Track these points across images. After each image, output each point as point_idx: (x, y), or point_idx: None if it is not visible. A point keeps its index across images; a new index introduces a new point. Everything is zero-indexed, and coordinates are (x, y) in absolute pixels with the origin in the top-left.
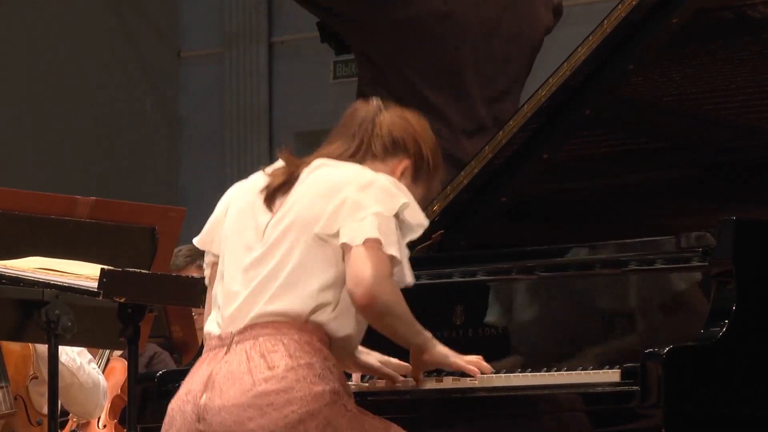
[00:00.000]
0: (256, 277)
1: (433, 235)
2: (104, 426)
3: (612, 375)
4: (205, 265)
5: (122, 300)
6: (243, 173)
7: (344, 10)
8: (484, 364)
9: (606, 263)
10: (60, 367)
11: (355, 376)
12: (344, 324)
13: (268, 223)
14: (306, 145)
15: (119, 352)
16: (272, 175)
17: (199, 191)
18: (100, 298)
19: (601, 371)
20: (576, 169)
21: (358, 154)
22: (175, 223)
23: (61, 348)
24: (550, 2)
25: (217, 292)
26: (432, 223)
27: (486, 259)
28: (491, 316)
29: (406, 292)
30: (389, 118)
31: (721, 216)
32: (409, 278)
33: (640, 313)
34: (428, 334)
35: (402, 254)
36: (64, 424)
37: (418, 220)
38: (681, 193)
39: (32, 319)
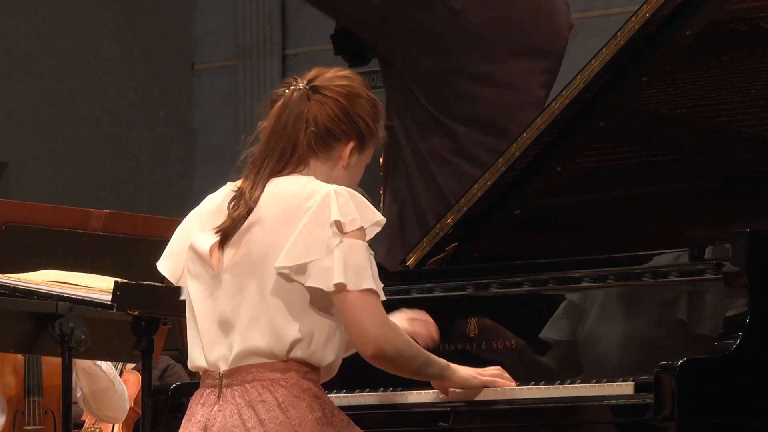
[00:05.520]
0: (224, 312)
1: (447, 248)
2: None
3: (626, 387)
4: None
5: (136, 313)
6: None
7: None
8: (506, 374)
9: (619, 275)
10: (100, 373)
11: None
12: (326, 354)
13: (225, 250)
14: None
15: (132, 365)
16: (230, 213)
17: None
18: (114, 311)
19: (614, 384)
20: (589, 181)
21: (300, 161)
22: None
23: None
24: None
25: (192, 328)
26: (446, 236)
27: (499, 271)
28: (505, 329)
29: (420, 304)
30: (319, 108)
31: (734, 228)
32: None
33: (654, 326)
34: (443, 363)
35: (375, 277)
36: None
37: (374, 219)
38: (694, 205)
39: (46, 331)
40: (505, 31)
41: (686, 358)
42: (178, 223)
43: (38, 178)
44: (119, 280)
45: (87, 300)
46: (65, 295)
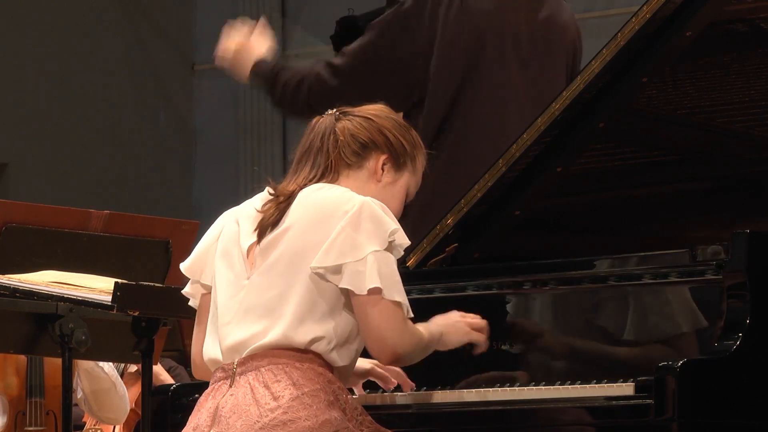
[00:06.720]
0: (249, 307)
1: (447, 249)
2: None
3: (626, 388)
4: (189, 293)
5: (136, 313)
6: (257, 186)
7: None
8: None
9: (620, 276)
10: (102, 375)
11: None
12: (342, 356)
13: (258, 252)
14: None
15: (134, 367)
16: (264, 211)
17: (213, 204)
18: (114, 311)
19: (615, 384)
20: (589, 181)
21: (333, 170)
22: (188, 237)
23: None
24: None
25: (212, 323)
26: (446, 236)
27: (500, 272)
28: (505, 330)
29: (420, 304)
30: (348, 123)
31: (734, 228)
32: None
33: (654, 327)
34: (437, 335)
35: (402, 292)
36: None
37: (402, 242)
38: (695, 205)
39: (46, 332)
40: (511, 35)
41: (686, 359)
42: (178, 224)
43: (38, 178)
44: (119, 280)
45: (87, 301)
46: (65, 295)
